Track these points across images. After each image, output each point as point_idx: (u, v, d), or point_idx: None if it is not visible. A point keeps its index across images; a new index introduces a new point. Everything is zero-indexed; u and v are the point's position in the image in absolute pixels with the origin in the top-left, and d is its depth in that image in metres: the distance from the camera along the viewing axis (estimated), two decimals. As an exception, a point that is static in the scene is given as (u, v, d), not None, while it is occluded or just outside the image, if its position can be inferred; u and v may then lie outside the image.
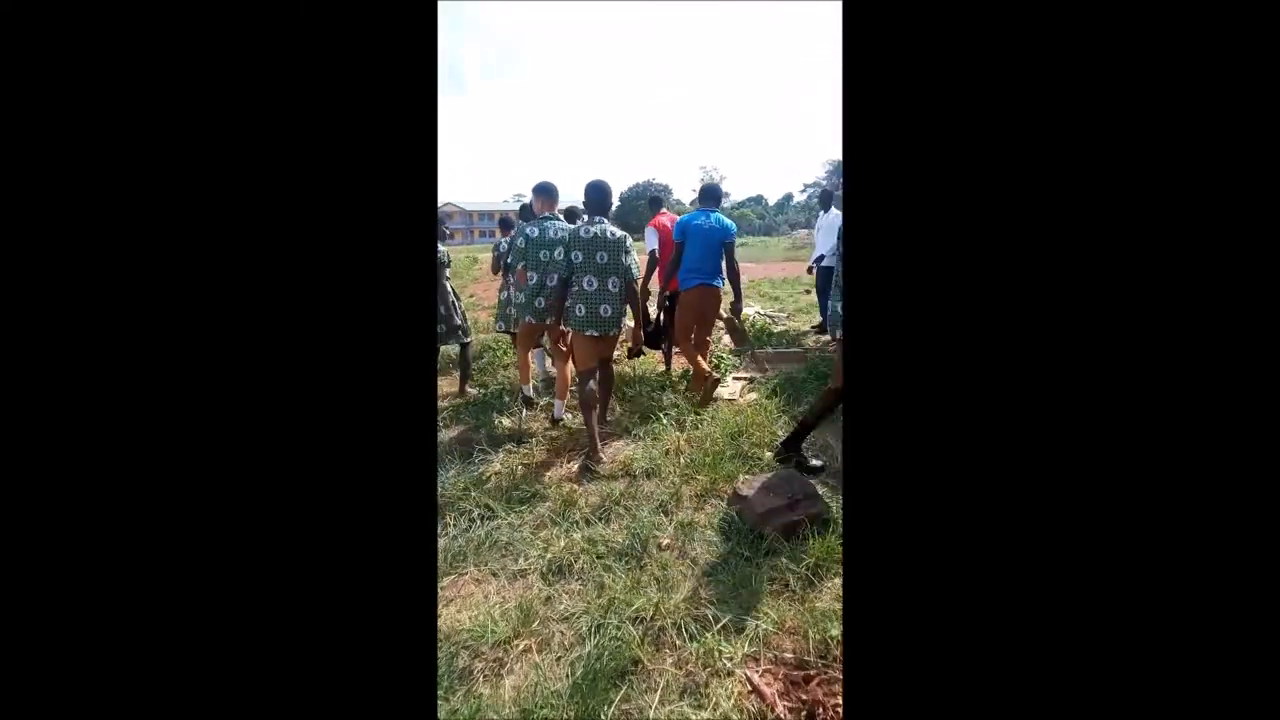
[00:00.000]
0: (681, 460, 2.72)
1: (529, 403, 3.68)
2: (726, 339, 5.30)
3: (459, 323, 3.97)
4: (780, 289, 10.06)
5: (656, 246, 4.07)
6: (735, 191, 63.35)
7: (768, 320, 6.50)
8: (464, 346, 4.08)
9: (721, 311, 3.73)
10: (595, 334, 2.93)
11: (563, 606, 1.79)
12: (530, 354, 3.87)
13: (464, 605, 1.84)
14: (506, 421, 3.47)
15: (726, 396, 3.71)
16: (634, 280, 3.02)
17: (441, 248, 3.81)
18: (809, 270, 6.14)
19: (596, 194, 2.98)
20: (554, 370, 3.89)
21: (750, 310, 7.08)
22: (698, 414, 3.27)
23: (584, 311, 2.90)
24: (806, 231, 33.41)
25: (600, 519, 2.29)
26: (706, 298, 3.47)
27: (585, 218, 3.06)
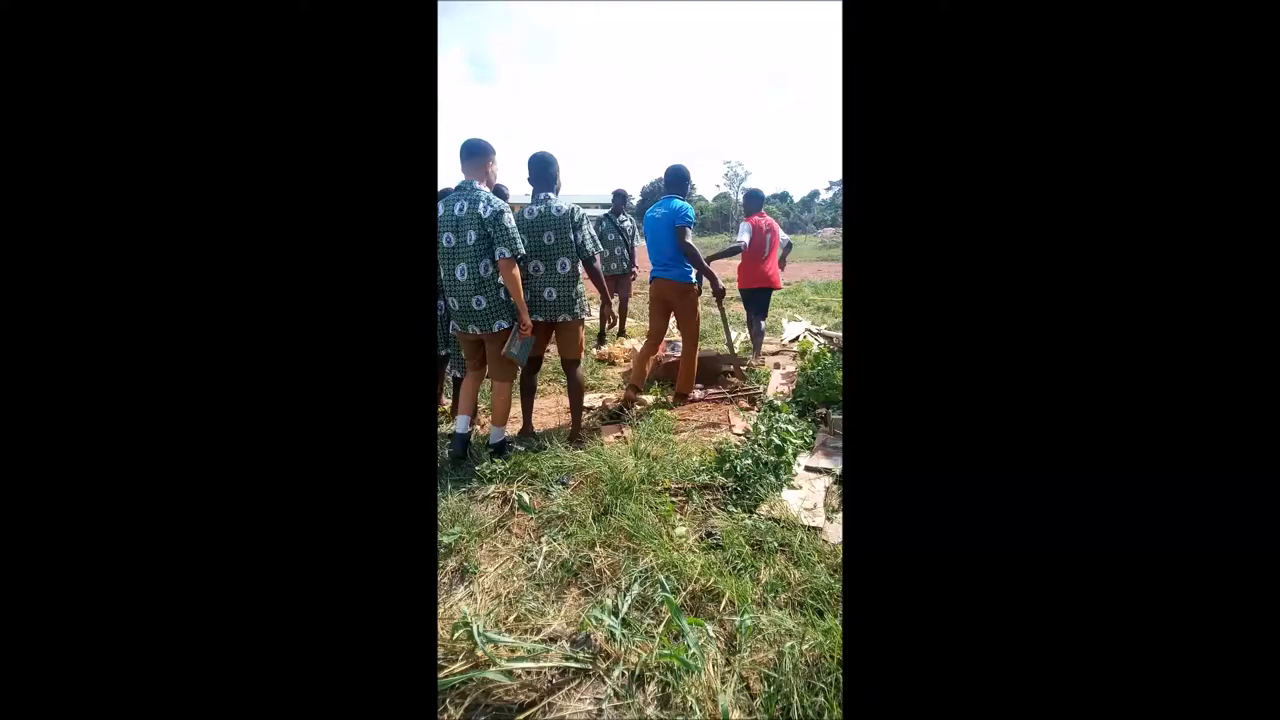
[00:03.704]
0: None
1: (501, 450, 2.57)
2: (775, 386, 3.57)
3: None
4: (825, 295, 8.29)
5: (746, 240, 4.03)
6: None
7: (826, 344, 4.38)
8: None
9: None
10: (540, 319, 2.65)
11: None
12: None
13: None
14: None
15: (806, 521, 1.98)
16: (591, 257, 2.68)
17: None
18: None
19: (538, 167, 2.61)
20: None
21: (799, 328, 5.32)
22: (751, 578, 1.58)
23: (529, 297, 2.60)
24: (834, 230, 31.15)
25: None
26: (658, 289, 3.23)
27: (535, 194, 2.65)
